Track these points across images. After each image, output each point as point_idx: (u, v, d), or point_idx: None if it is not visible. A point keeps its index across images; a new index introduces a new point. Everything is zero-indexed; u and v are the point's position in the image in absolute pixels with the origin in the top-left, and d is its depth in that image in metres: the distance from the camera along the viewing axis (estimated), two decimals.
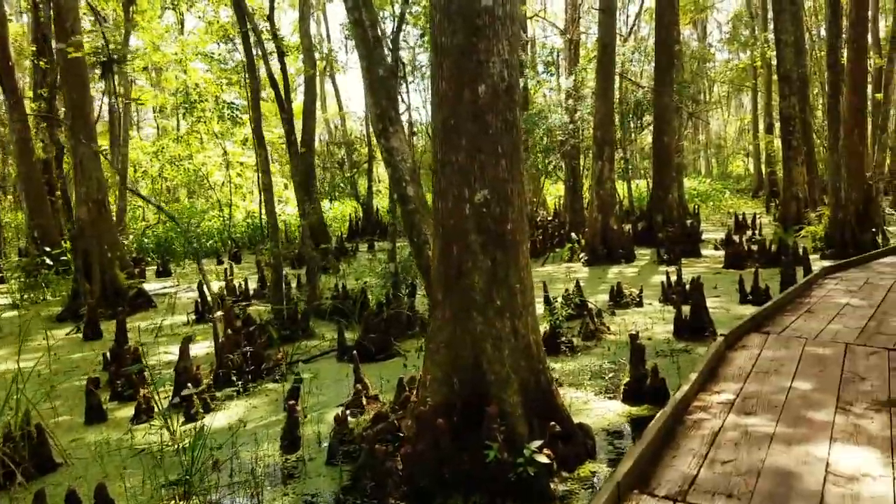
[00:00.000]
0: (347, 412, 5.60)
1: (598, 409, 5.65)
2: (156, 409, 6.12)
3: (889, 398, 4.36)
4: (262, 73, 13.16)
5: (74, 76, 11.53)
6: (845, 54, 13.95)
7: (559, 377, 6.60)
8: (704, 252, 15.57)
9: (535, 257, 16.11)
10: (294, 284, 11.97)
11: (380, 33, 8.48)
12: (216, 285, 12.25)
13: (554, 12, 33.35)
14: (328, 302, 9.64)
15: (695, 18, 36.88)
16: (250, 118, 15.47)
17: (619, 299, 9.92)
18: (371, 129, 16.70)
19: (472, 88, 4.39)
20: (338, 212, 27.41)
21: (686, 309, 8.10)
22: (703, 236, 18.18)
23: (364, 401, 5.87)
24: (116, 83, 28.21)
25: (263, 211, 10.02)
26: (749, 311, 8.98)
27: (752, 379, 4.99)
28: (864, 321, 6.44)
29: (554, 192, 28.36)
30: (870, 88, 16.33)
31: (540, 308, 9.66)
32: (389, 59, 9.46)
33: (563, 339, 7.60)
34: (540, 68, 18.44)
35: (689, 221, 18.36)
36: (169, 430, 5.42)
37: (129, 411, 6.34)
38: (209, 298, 10.16)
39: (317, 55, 21.96)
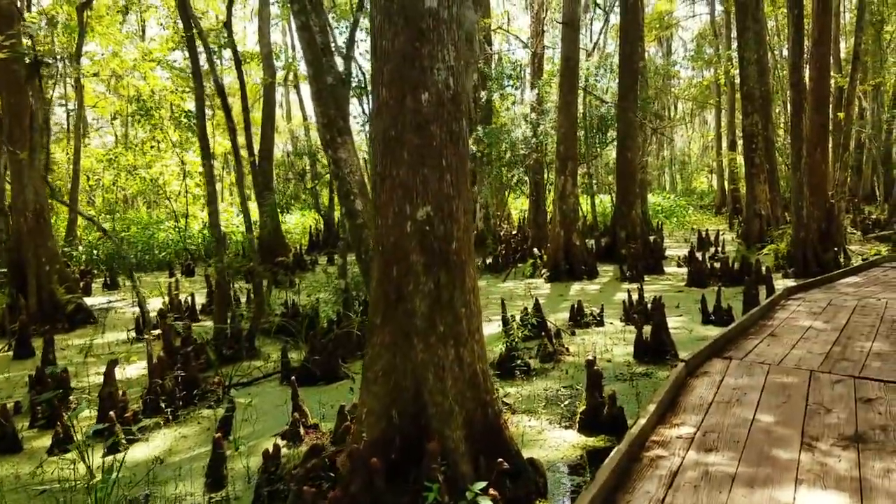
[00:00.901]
0: (283, 444, 5.17)
1: (553, 440, 5.31)
2: (76, 439, 5.60)
3: (856, 433, 4.09)
4: (229, 80, 12.71)
5: (10, 80, 10.92)
6: (808, 73, 13.99)
7: (514, 403, 6.25)
8: (667, 269, 15.44)
9: (497, 272, 15.84)
10: (245, 300, 11.47)
11: (332, 40, 8.11)
12: (161, 301, 11.68)
13: (519, 26, 33.35)
14: (276, 319, 9.17)
15: (660, 36, 37.30)
16: (193, 125, 14.87)
17: (579, 318, 9.63)
18: None
19: (415, 96, 4.04)
20: (299, 223, 26.83)
21: (648, 329, 7.85)
22: (667, 253, 18.10)
23: (302, 431, 5.44)
24: (63, 87, 27.37)
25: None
26: (711, 332, 8.79)
27: (714, 410, 4.69)
28: (828, 346, 6.22)
29: (519, 206, 28.21)
30: (832, 108, 16.43)
31: (497, 328, 9.35)
32: (343, 68, 9.13)
33: (520, 361, 7.25)
34: (505, 82, 18.22)
35: (652, 238, 18.27)
36: (85, 463, 4.93)
37: (47, 441, 5.81)
38: (147, 315, 9.62)
39: (279, 64, 21.47)
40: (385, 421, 4.06)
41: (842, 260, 13.36)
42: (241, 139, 12.76)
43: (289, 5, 6.84)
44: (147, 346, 7.12)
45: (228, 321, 8.69)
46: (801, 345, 6.35)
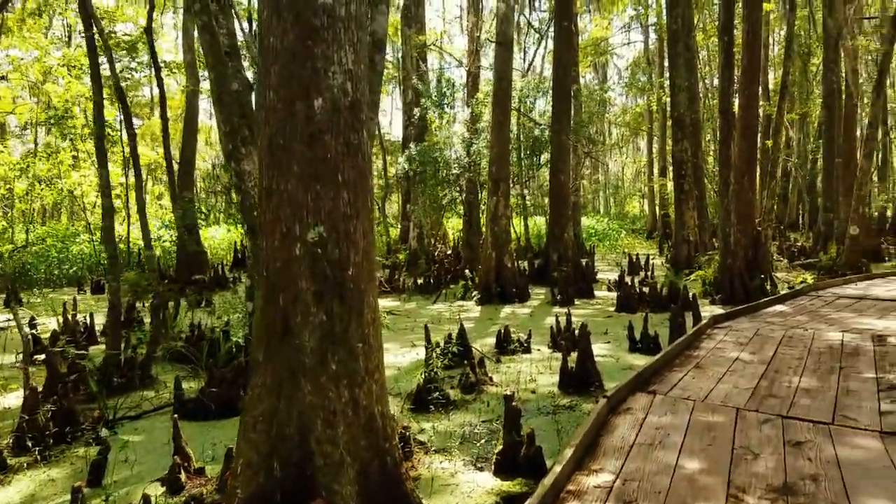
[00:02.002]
0: (159, 492, 4.53)
1: (465, 485, 4.84)
2: None
3: (785, 483, 3.77)
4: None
5: None
6: (737, 101, 14.16)
7: (428, 440, 5.77)
8: (598, 293, 15.31)
9: (429, 294, 15.40)
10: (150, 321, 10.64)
11: (240, 43, 7.55)
12: (54, 321, 10.73)
13: (460, 46, 33.27)
14: (178, 344, 8.44)
15: (595, 62, 37.94)
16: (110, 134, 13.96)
17: (505, 345, 9.25)
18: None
19: (307, 101, 3.57)
20: (225, 238, 25.77)
21: (574, 357, 7.50)
22: (598, 276, 18.04)
23: (184, 476, 4.81)
24: None
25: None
26: (638, 360, 8.54)
27: (636, 454, 4.32)
28: (755, 380, 5.98)
29: (455, 225, 27.95)
30: (760, 136, 16.74)
31: (421, 355, 8.88)
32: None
33: (438, 394, 6.78)
34: (440, 100, 17.91)
35: (584, 261, 18.19)
36: None
37: None
38: (33, 337, 8.75)
39: (204, 73, 20.62)
40: (264, 474, 3.51)
41: (768, 287, 13.45)
42: (160, 149, 11.99)
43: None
44: (24, 373, 6.34)
45: (122, 346, 7.93)
46: (727, 378, 6.10)
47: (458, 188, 17.80)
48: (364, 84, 3.77)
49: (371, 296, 3.81)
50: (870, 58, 28.19)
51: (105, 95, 21.89)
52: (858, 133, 20.86)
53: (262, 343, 3.68)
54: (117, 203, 26.49)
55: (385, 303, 14.64)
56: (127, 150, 15.96)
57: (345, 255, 3.64)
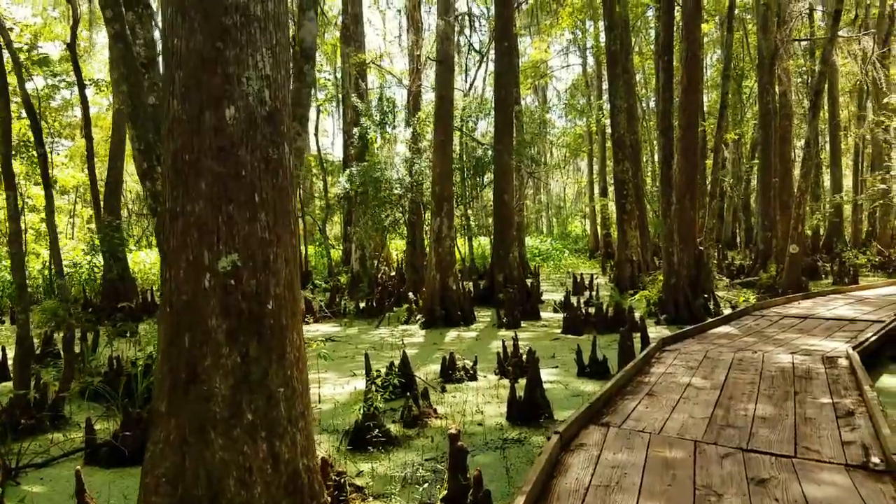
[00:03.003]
0: None
1: None
2: None
3: None
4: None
5: None
6: (677, 121, 14.24)
7: (366, 484, 5.27)
8: (544, 314, 15.08)
9: (371, 318, 14.88)
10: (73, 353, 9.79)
11: (157, 52, 6.98)
12: None
13: (400, 66, 33.01)
14: (96, 381, 7.73)
15: (536, 84, 38.32)
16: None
17: (451, 372, 8.82)
18: None
19: (217, 111, 3.11)
20: (156, 263, 24.64)
21: (522, 384, 7.15)
22: (544, 297, 17.84)
23: None
24: None
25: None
26: (587, 386, 8.25)
27: (592, 498, 3.95)
28: (710, 409, 5.72)
29: (400, 247, 27.51)
30: (699, 156, 16.92)
31: (361, 386, 8.39)
32: None
33: (378, 430, 6.29)
34: (379, 118, 17.54)
35: (529, 281, 17.98)
36: None
37: None
38: None
39: None
40: None
41: (711, 306, 13.46)
42: (85, 170, 11.19)
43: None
44: None
45: (32, 383, 7.18)
46: (681, 407, 5.83)
47: (400, 209, 17.39)
48: (285, 92, 3.34)
49: (295, 332, 3.34)
50: (800, 80, 29.22)
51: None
52: (793, 153, 21.45)
53: (165, 391, 3.17)
54: (42, 227, 25.09)
55: (325, 328, 14.06)
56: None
57: (263, 286, 3.17)
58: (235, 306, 3.11)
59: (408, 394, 7.18)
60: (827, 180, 31.11)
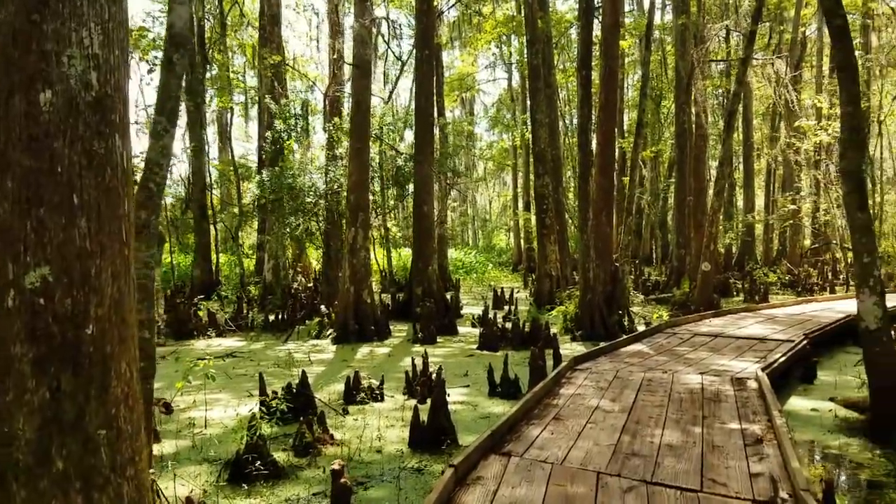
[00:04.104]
0: None
1: None
2: None
3: None
4: None
5: None
6: (595, 138, 14.24)
7: None
8: (462, 329, 14.75)
9: (280, 331, 14.17)
10: None
11: None
12: None
13: (321, 71, 32.23)
14: None
15: (462, 97, 38.32)
16: None
17: (354, 393, 8.31)
18: None
19: (29, 95, 2.55)
20: None
21: (429, 405, 6.71)
22: (464, 310, 17.55)
23: None
24: None
25: None
26: (497, 407, 7.90)
27: None
28: (616, 434, 5.44)
29: (320, 257, 26.73)
30: (617, 173, 17.05)
31: (254, 408, 7.77)
32: None
33: (263, 459, 5.71)
34: (293, 122, 16.88)
35: (449, 295, 17.65)
36: None
37: None
38: None
39: None
40: None
41: (626, 323, 13.43)
42: None
43: None
44: None
45: None
46: (587, 432, 5.52)
47: (314, 218, 16.73)
48: (120, 76, 2.80)
49: (123, 362, 2.79)
50: (716, 102, 30.24)
51: None
52: (707, 173, 22.00)
53: None
54: None
55: (228, 343, 13.27)
56: None
57: (81, 306, 2.62)
58: (45, 330, 2.54)
59: (302, 418, 6.62)
60: (740, 200, 32.26)
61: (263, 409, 6.85)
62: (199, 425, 7.41)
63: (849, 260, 23.13)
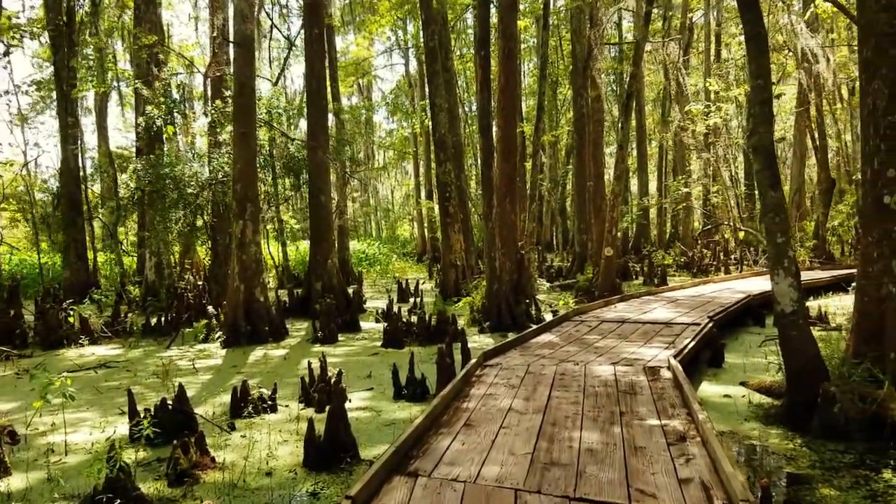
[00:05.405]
0: None
1: None
2: None
3: None
4: None
5: None
6: (496, 122, 13.80)
7: None
8: (366, 325, 14.02)
9: (164, 336, 12.93)
10: None
11: None
12: None
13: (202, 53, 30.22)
14: None
15: (359, 83, 37.27)
16: None
17: (242, 405, 7.43)
18: None
19: None
20: None
21: (326, 417, 5.97)
22: (368, 305, 16.81)
23: None
24: None
25: None
26: (403, 412, 7.27)
27: None
28: (532, 440, 4.93)
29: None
30: (519, 159, 16.71)
31: (122, 430, 6.78)
32: None
33: (128, 494, 4.82)
34: (175, 106, 15.49)
35: (351, 289, 16.84)
36: None
37: None
38: None
39: None
40: None
41: (533, 311, 13.12)
42: None
43: None
44: None
45: None
46: (502, 440, 4.98)
47: (200, 211, 15.44)
48: None
49: None
50: (610, 90, 30.72)
51: None
52: (604, 158, 22.16)
53: None
54: None
55: (103, 351, 11.95)
56: None
57: None
58: None
59: (175, 441, 5.72)
60: (635, 185, 33.05)
61: (139, 429, 5.91)
62: (60, 452, 6.36)
63: (739, 240, 24.06)
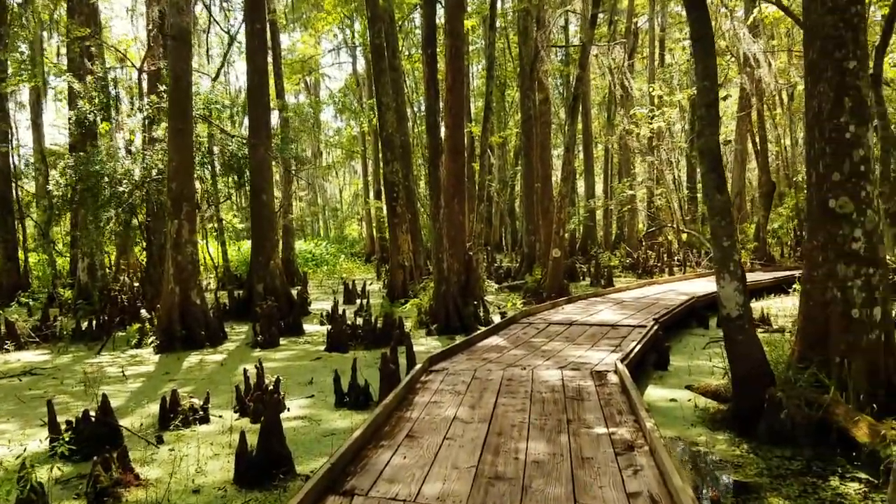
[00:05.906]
0: None
1: None
2: None
3: None
4: None
5: None
6: (444, 122, 13.60)
7: None
8: (310, 327, 13.60)
9: (94, 341, 12.28)
10: None
11: None
12: None
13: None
14: None
15: (306, 80, 36.59)
16: None
17: (172, 415, 7.00)
18: None
19: None
20: None
21: (259, 428, 5.64)
22: (313, 307, 16.37)
23: None
24: None
25: None
26: (344, 421, 6.96)
27: None
28: (477, 453, 4.71)
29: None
30: (467, 159, 16.55)
31: (38, 445, 6.29)
32: None
33: None
34: (107, 101, 14.78)
35: (296, 290, 16.38)
36: None
37: None
38: None
39: None
40: None
41: (481, 313, 12.96)
42: None
43: None
44: None
45: None
46: (445, 453, 4.75)
47: (132, 209, 14.75)
48: None
49: None
50: (557, 93, 30.89)
51: None
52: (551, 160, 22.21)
53: None
54: None
55: (29, 357, 11.27)
56: None
57: None
58: None
59: (95, 457, 5.30)
60: (581, 187, 33.35)
61: (63, 441, 5.47)
62: None
63: (682, 242, 24.47)
